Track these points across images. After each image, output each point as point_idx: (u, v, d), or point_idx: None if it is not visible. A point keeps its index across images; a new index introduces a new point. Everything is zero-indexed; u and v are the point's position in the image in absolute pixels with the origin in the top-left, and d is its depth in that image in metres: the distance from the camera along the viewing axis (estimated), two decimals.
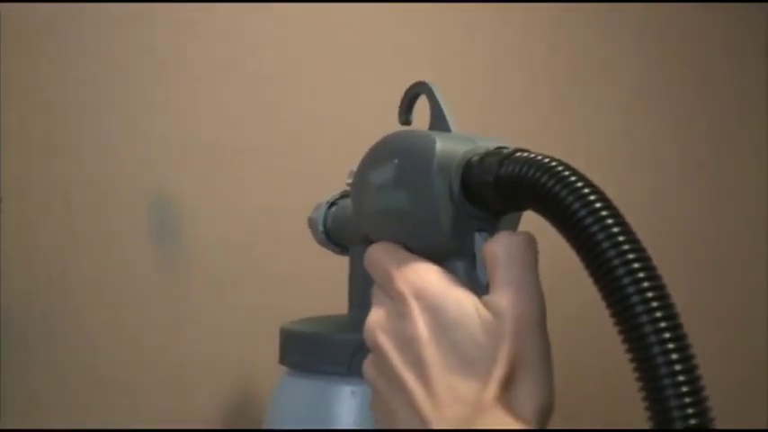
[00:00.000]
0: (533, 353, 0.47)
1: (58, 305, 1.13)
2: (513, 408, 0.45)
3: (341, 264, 1.43)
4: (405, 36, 1.42)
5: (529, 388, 0.46)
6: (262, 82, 1.29)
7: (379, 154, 0.59)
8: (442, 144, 0.50)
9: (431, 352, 0.46)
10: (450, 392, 0.45)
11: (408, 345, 0.47)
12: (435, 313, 0.47)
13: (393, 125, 1.41)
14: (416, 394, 0.46)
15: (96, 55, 1.17)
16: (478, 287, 0.48)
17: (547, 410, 0.47)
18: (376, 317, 0.51)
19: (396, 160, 0.54)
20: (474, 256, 0.49)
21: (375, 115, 1.39)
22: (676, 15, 1.70)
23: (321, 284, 1.33)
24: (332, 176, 1.36)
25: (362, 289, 0.69)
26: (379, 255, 0.53)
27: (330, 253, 1.39)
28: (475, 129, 1.45)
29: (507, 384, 0.46)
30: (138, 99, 1.20)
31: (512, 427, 0.44)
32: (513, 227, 0.52)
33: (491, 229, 0.49)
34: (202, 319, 1.24)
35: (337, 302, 1.47)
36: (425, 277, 0.48)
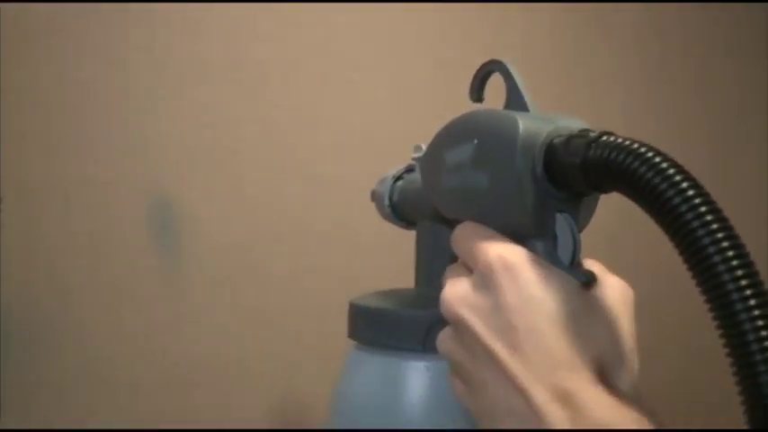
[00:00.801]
0: (628, 331, 0.47)
1: (58, 305, 1.13)
2: (610, 380, 0.45)
3: (341, 263, 1.43)
4: (405, 36, 1.42)
5: (625, 363, 0.46)
6: (262, 82, 1.29)
7: (456, 133, 0.58)
8: (524, 124, 0.49)
9: (523, 319, 0.45)
10: (548, 360, 0.44)
11: (496, 313, 0.46)
12: (526, 283, 0.46)
13: (393, 125, 1.42)
14: (510, 364, 0.45)
15: (96, 55, 1.17)
16: (561, 267, 0.48)
17: (637, 388, 0.47)
18: (454, 289, 0.50)
19: (475, 140, 0.53)
20: (555, 237, 0.49)
21: (375, 115, 1.39)
22: (676, 15, 1.70)
23: (321, 284, 1.33)
24: (332, 176, 1.37)
25: (430, 264, 0.69)
26: (467, 231, 0.53)
27: (331, 251, 1.39)
28: None
29: (605, 357, 0.46)
30: (138, 99, 1.20)
31: (613, 400, 0.43)
32: (592, 208, 0.52)
33: (572, 210, 0.50)
34: (202, 319, 1.24)
35: (337, 302, 1.47)
36: (513, 251, 0.48)
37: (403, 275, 1.40)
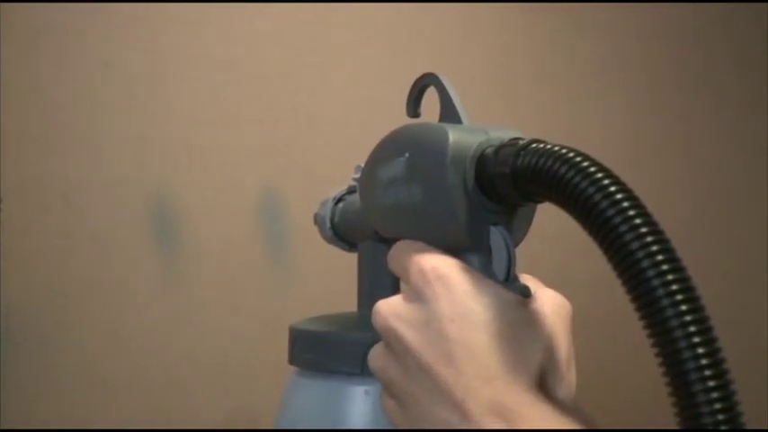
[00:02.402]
0: (565, 342, 0.46)
1: (58, 305, 1.13)
2: (546, 392, 0.44)
3: (342, 263, 1.43)
4: (405, 36, 1.42)
5: (561, 374, 0.46)
6: (261, 82, 1.29)
7: (388, 148, 0.57)
8: (454, 136, 0.48)
9: (457, 331, 0.44)
10: (482, 373, 0.43)
11: (429, 324, 0.45)
12: (460, 293, 0.45)
13: (393, 124, 1.41)
14: (445, 377, 0.43)
15: (96, 55, 1.17)
16: (496, 281, 0.47)
17: (574, 399, 0.46)
18: (386, 302, 0.48)
19: (407, 154, 0.52)
20: (489, 251, 0.48)
21: (375, 114, 1.39)
22: (677, 15, 1.70)
23: (321, 284, 1.33)
24: (332, 176, 1.36)
25: (372, 286, 0.68)
26: (401, 248, 0.52)
27: (330, 252, 1.39)
28: None
29: (541, 368, 0.45)
30: (138, 99, 1.20)
31: (551, 411, 0.43)
32: (528, 220, 0.51)
33: (506, 223, 0.49)
34: (202, 319, 1.24)
35: (338, 301, 1.47)
36: (447, 261, 0.47)
37: None
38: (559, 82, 1.58)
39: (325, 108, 1.35)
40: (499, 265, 0.48)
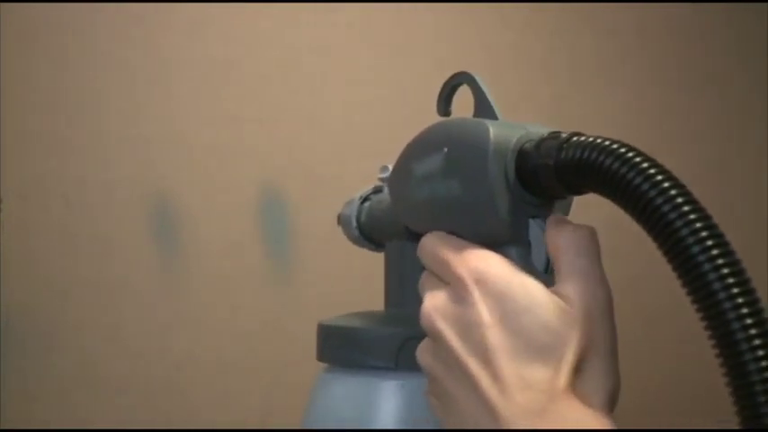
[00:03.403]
0: (602, 341, 0.46)
1: (58, 305, 1.13)
2: (583, 396, 0.44)
3: (341, 263, 1.43)
4: (405, 36, 1.42)
5: (598, 376, 0.45)
6: (261, 82, 1.29)
7: (424, 144, 0.57)
8: (495, 130, 0.49)
9: (495, 337, 0.45)
10: (518, 378, 0.44)
11: (470, 330, 0.46)
12: (499, 298, 0.45)
13: (393, 124, 1.42)
14: (481, 380, 0.44)
15: (96, 55, 1.17)
16: (535, 274, 0.47)
17: (614, 401, 0.46)
18: (433, 302, 0.49)
19: (445, 149, 0.52)
20: (529, 244, 0.48)
21: (374, 114, 1.39)
22: (676, 15, 1.70)
23: (321, 284, 1.33)
24: (332, 176, 1.37)
25: (399, 285, 0.68)
26: (434, 242, 0.52)
27: (330, 252, 1.39)
28: None
29: (577, 372, 0.45)
30: (138, 99, 1.20)
31: (585, 416, 0.43)
32: (565, 212, 0.51)
33: (545, 216, 0.49)
34: (202, 319, 1.24)
35: (339, 300, 1.47)
36: (487, 262, 0.47)
37: None
38: (560, 81, 1.58)
39: (325, 108, 1.35)
40: (539, 258, 0.48)
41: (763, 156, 1.82)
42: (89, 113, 1.16)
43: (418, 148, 0.57)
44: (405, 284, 0.64)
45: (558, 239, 0.47)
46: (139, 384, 1.18)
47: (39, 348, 1.12)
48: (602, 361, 0.46)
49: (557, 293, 0.46)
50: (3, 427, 1.07)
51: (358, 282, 1.41)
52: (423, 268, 0.54)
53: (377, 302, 1.49)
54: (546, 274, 0.47)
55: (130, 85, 1.19)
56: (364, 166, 1.42)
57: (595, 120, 1.60)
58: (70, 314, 1.14)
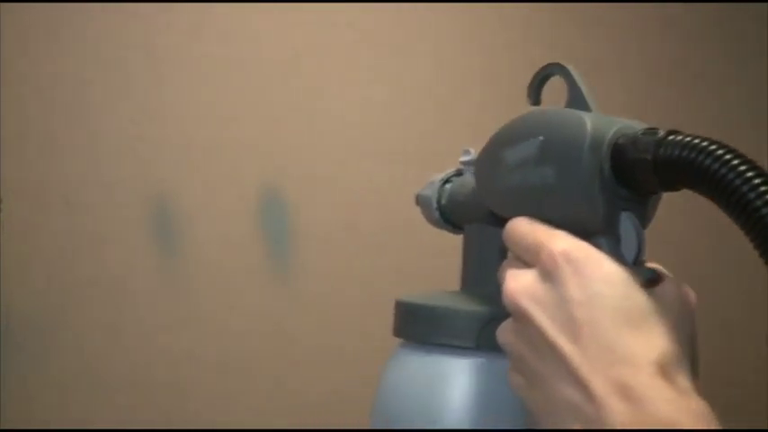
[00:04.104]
0: (690, 332, 0.48)
1: (58, 305, 1.13)
2: (673, 378, 0.45)
3: (341, 263, 1.43)
4: (405, 36, 1.42)
5: (685, 362, 0.46)
6: (261, 82, 1.29)
7: (517, 131, 0.57)
8: (592, 123, 0.50)
9: (585, 313, 0.45)
10: (609, 354, 0.44)
11: (559, 307, 0.46)
12: (589, 277, 0.46)
13: (393, 123, 1.42)
14: (572, 357, 0.45)
15: (96, 55, 1.17)
16: (625, 264, 0.48)
17: (697, 387, 0.46)
18: (517, 282, 0.49)
19: (540, 137, 0.53)
20: (618, 235, 0.49)
21: (374, 114, 1.39)
22: (676, 15, 1.71)
23: (320, 283, 1.33)
24: (332, 176, 1.37)
25: (478, 267, 0.68)
26: (524, 225, 0.52)
27: (330, 252, 1.39)
28: (474, 128, 1.46)
29: (667, 354, 0.45)
30: (138, 99, 1.20)
31: (675, 396, 0.43)
32: (654, 208, 0.53)
33: (636, 209, 0.50)
34: (202, 318, 1.24)
35: (339, 300, 1.47)
36: (577, 244, 0.48)
37: (403, 275, 1.40)
38: (559, 81, 1.58)
39: (325, 108, 1.35)
40: (629, 250, 0.49)
41: (763, 156, 1.82)
42: (89, 113, 1.16)
43: (511, 135, 0.58)
44: (483, 266, 0.66)
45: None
46: (139, 384, 1.18)
47: (39, 348, 1.12)
48: (689, 348, 0.47)
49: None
50: (3, 427, 1.07)
51: (358, 282, 1.41)
52: (502, 251, 0.55)
53: (377, 302, 1.49)
54: (635, 266, 0.48)
55: (130, 85, 1.19)
56: (364, 166, 1.42)
57: None
58: (70, 314, 1.14)
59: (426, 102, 1.41)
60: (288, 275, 1.31)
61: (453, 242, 1.45)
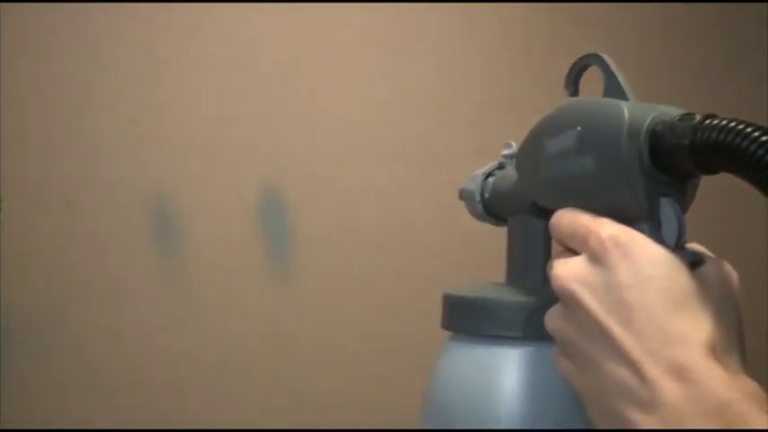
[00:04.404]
0: (735, 311, 0.48)
1: (59, 305, 1.13)
2: (724, 358, 0.45)
3: (340, 264, 1.43)
4: (405, 36, 1.42)
5: (733, 342, 0.47)
6: (261, 82, 1.29)
7: (556, 122, 0.58)
8: (630, 111, 0.51)
9: (636, 296, 0.46)
10: (661, 335, 0.45)
11: (609, 290, 0.47)
12: (638, 260, 0.47)
13: (393, 124, 1.42)
14: (623, 339, 0.45)
15: (96, 55, 1.17)
16: (668, 247, 0.49)
17: (745, 368, 0.48)
18: (566, 266, 0.50)
19: (579, 127, 0.54)
20: (659, 220, 0.50)
21: (374, 114, 1.39)
22: (676, 15, 1.71)
23: (320, 283, 1.33)
24: (332, 176, 1.37)
25: (523, 259, 0.70)
26: (569, 215, 0.53)
27: (329, 253, 1.39)
28: (474, 128, 1.46)
29: (716, 334, 0.46)
30: (138, 99, 1.20)
31: (728, 376, 0.44)
32: (693, 191, 0.54)
33: (675, 194, 0.51)
34: (202, 318, 1.24)
35: (339, 300, 1.47)
36: (624, 230, 0.49)
37: (403, 275, 1.40)
38: (559, 81, 1.58)
39: (325, 108, 1.35)
40: (670, 234, 0.50)
41: None
42: (89, 113, 1.16)
43: (551, 126, 0.58)
44: (528, 257, 0.67)
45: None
46: (139, 384, 1.18)
47: (39, 348, 1.12)
48: (738, 331, 0.48)
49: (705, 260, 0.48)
50: (3, 427, 1.08)
51: (358, 282, 1.41)
52: (546, 242, 0.56)
53: (377, 302, 1.49)
54: (677, 249, 0.49)
55: (130, 85, 1.19)
56: (364, 166, 1.42)
57: None
58: (70, 314, 1.14)
59: (426, 102, 1.41)
60: (288, 276, 1.31)
61: (453, 242, 1.46)
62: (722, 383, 0.43)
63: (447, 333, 0.67)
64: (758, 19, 1.79)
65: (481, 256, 1.34)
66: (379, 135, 1.38)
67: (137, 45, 1.19)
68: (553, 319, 0.51)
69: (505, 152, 0.74)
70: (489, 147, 1.53)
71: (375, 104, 1.38)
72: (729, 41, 1.79)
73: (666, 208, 0.50)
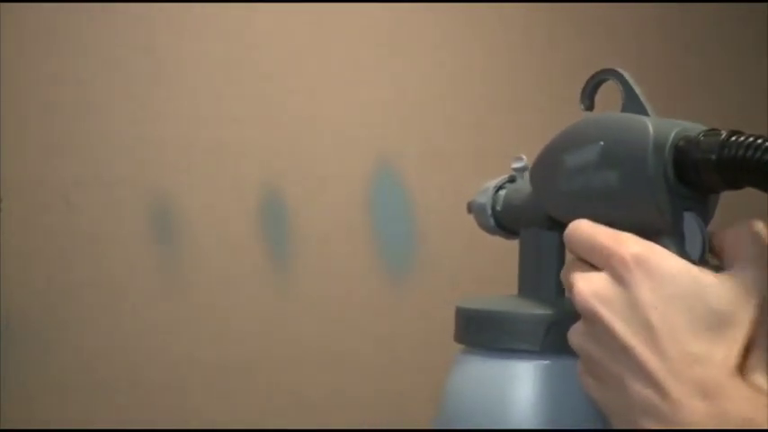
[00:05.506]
0: (763, 325, 0.47)
1: (59, 305, 1.13)
2: (750, 376, 0.45)
3: (340, 263, 1.43)
4: (405, 36, 1.42)
5: (761, 357, 0.46)
6: (261, 82, 1.29)
7: (576, 137, 0.58)
8: (654, 126, 0.51)
9: (661, 316, 0.46)
10: (685, 355, 0.45)
11: (633, 311, 0.47)
12: (662, 279, 0.47)
13: (393, 124, 1.42)
14: (648, 360, 0.45)
15: (96, 55, 1.17)
16: (693, 262, 0.49)
17: None
18: (589, 285, 0.50)
19: (601, 143, 0.54)
20: (683, 235, 0.50)
21: (374, 114, 1.39)
22: (676, 15, 1.70)
23: (321, 284, 1.33)
24: (332, 176, 1.37)
25: (536, 272, 0.70)
26: (587, 227, 0.53)
27: (329, 253, 1.39)
28: (474, 128, 1.46)
29: (745, 353, 0.45)
30: (138, 99, 1.20)
31: (755, 396, 0.43)
32: (714, 205, 0.54)
33: (698, 208, 0.51)
34: (202, 319, 1.24)
35: (339, 300, 1.47)
36: (647, 246, 0.48)
37: (406, 274, 1.40)
38: (559, 82, 1.58)
39: (325, 108, 1.35)
40: (693, 249, 0.50)
41: None
42: (89, 113, 1.16)
43: (570, 141, 0.59)
44: (541, 269, 0.67)
45: (732, 231, 0.49)
46: (139, 384, 1.18)
47: (39, 348, 1.12)
48: (762, 338, 0.47)
49: (730, 275, 0.47)
50: (3, 427, 1.08)
51: (358, 282, 1.41)
52: (560, 254, 0.56)
53: (377, 302, 1.49)
54: (701, 264, 0.49)
55: (130, 85, 1.19)
56: (364, 166, 1.42)
57: None
58: (70, 314, 1.14)
59: (426, 102, 1.41)
60: (288, 276, 1.31)
61: (454, 242, 1.46)
62: (747, 402, 0.43)
63: (451, 341, 0.66)
64: (758, 19, 1.79)
65: (482, 257, 1.34)
66: (379, 135, 1.38)
67: (137, 45, 1.19)
68: (576, 336, 0.51)
69: (516, 165, 0.74)
70: (490, 147, 1.53)
71: (375, 104, 1.38)
72: (729, 42, 1.79)
73: (690, 222, 0.50)
